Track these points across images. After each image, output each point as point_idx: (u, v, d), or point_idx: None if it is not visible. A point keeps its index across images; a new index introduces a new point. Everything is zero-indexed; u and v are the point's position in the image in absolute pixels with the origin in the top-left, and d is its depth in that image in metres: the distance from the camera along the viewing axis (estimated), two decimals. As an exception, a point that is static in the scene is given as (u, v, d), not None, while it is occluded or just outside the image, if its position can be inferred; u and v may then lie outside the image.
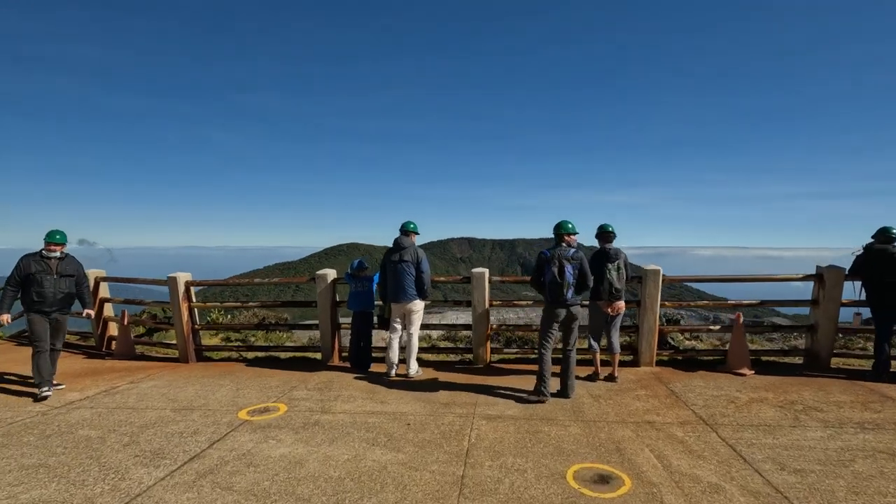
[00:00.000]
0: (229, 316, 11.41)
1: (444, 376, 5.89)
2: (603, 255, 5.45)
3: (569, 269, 4.76)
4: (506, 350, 6.92)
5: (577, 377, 5.23)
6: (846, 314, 5.95)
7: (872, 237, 5.64)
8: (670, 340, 7.65)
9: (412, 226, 5.97)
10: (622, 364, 6.09)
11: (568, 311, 4.87)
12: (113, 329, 7.90)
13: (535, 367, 5.22)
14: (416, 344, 5.95)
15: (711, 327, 6.75)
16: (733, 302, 6.40)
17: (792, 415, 4.45)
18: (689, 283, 7.25)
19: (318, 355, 6.96)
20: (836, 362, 6.11)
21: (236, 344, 8.38)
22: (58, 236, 5.40)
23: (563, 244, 4.93)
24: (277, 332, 9.86)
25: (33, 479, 3.41)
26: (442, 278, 6.92)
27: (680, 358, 6.48)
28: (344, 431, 4.19)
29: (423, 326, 6.41)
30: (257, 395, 5.24)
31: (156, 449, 3.88)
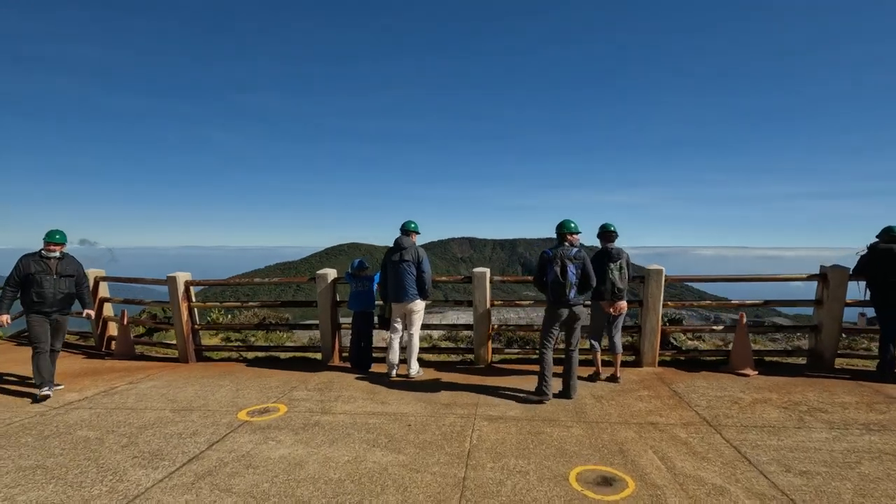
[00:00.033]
0: (229, 316, 11.38)
1: (445, 376, 5.85)
2: (605, 255, 5.41)
3: (571, 268, 4.72)
4: (507, 350, 6.89)
5: (579, 377, 5.19)
6: (850, 314, 5.91)
7: (877, 236, 5.59)
8: (673, 341, 7.61)
9: (413, 225, 5.93)
10: (624, 364, 6.05)
11: (570, 311, 4.83)
12: (113, 329, 7.87)
13: (536, 368, 5.18)
14: (416, 344, 5.91)
15: (714, 327, 6.71)
16: (736, 302, 6.36)
17: (796, 416, 4.40)
18: (690, 283, 7.21)
19: (319, 355, 6.93)
20: (839, 363, 6.07)
21: (236, 344, 8.35)
22: (57, 236, 5.35)
23: (566, 243, 4.89)
24: (278, 332, 9.83)
25: (30, 481, 3.37)
26: (443, 278, 6.89)
27: (682, 358, 6.44)
28: (344, 432, 4.16)
29: (424, 326, 6.37)
30: (257, 396, 5.20)
31: (154, 450, 3.85)
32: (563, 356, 5.05)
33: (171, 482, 3.33)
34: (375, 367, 6.28)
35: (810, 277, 5.98)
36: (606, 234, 5.54)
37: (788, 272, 6.04)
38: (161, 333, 8.73)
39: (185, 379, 5.96)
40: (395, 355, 5.83)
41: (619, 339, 5.58)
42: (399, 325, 5.92)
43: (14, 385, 5.78)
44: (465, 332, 9.05)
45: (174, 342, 7.20)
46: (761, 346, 7.97)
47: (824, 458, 3.57)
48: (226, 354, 7.40)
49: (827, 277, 5.77)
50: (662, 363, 6.23)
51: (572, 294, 4.74)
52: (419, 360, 6.10)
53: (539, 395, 4.87)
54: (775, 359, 6.43)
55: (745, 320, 5.90)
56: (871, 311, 5.68)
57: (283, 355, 7.20)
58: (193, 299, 7.08)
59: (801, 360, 6.31)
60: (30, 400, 5.15)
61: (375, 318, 6.47)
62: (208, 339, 8.91)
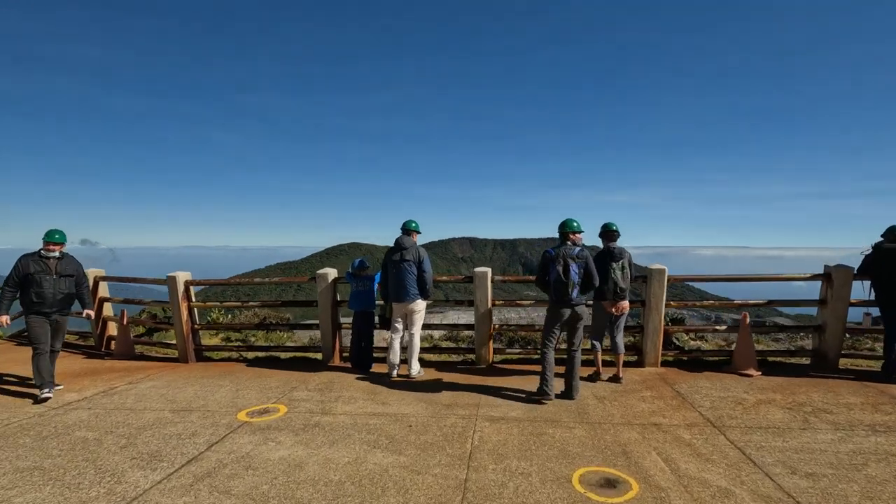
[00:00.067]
0: (230, 316, 11.36)
1: (446, 377, 5.81)
2: (607, 254, 5.37)
3: (574, 267, 4.68)
4: (508, 350, 6.85)
5: (579, 377, 5.14)
6: (853, 314, 5.86)
7: (882, 236, 5.55)
8: (675, 341, 7.57)
9: (414, 224, 5.90)
10: (626, 364, 6.00)
11: (573, 311, 4.79)
12: (112, 329, 7.84)
13: (537, 368, 5.15)
14: (417, 344, 5.87)
15: (717, 327, 6.67)
16: (739, 302, 6.31)
17: (801, 417, 4.36)
18: (691, 283, 7.17)
19: (319, 355, 6.89)
20: (843, 363, 6.02)
21: (236, 344, 8.32)
22: (57, 236, 5.31)
23: (569, 243, 4.85)
24: (278, 332, 9.80)
25: (28, 482, 3.34)
26: (444, 278, 6.86)
27: (685, 358, 6.40)
28: (345, 433, 4.12)
29: (425, 326, 6.34)
30: (257, 396, 5.17)
31: (153, 451, 3.82)
32: (565, 356, 5.01)
33: (169, 484, 3.29)
34: (376, 368, 6.24)
35: (814, 277, 5.93)
36: (608, 233, 5.50)
37: (789, 272, 5.99)
38: (161, 333, 8.70)
39: (184, 379, 5.92)
40: (395, 355, 5.79)
41: (621, 340, 5.54)
42: (400, 325, 5.88)
43: (13, 385, 5.75)
44: (467, 332, 9.01)
45: (174, 342, 7.17)
46: (764, 346, 7.93)
47: (830, 459, 3.53)
48: (226, 354, 7.37)
49: (831, 277, 5.72)
50: (665, 363, 6.19)
51: (575, 293, 4.70)
52: (420, 360, 6.07)
53: (541, 396, 4.83)
54: (779, 359, 6.38)
55: (748, 320, 5.85)
56: (876, 311, 5.63)
57: (283, 355, 7.17)
58: (193, 299, 7.05)
59: (805, 361, 6.27)
60: (29, 400, 5.12)
61: (376, 318, 6.44)
62: (208, 339, 8.88)
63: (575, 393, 4.91)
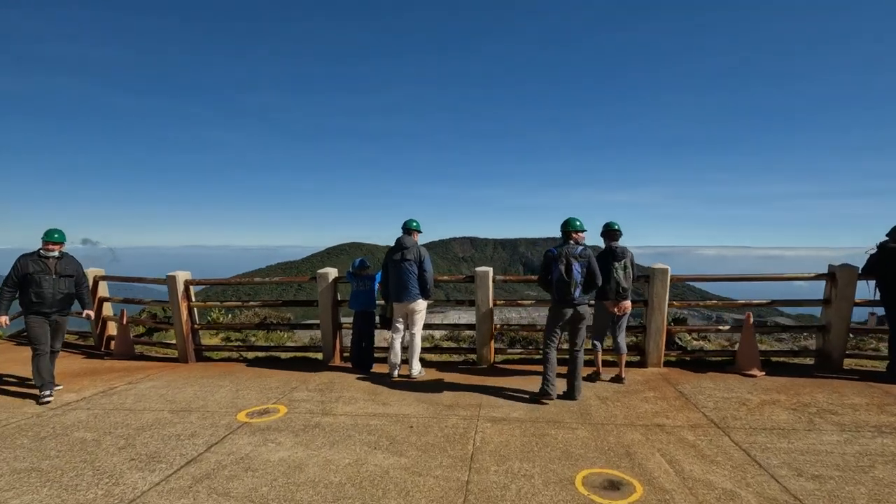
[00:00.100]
0: (230, 315, 11.32)
1: (447, 377, 5.77)
2: (609, 254, 5.32)
3: (576, 267, 4.64)
4: (510, 350, 6.80)
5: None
6: (858, 314, 5.82)
7: (887, 235, 5.50)
8: (678, 341, 7.52)
9: (415, 224, 5.86)
10: (629, 365, 5.96)
11: (575, 311, 4.75)
12: (112, 329, 7.81)
13: (539, 368, 5.10)
14: (418, 344, 5.83)
15: (720, 327, 6.62)
16: (743, 301, 6.26)
17: (806, 418, 4.32)
18: (692, 283, 7.12)
19: (320, 355, 6.86)
20: (848, 363, 5.97)
21: (236, 344, 8.29)
22: (56, 235, 5.27)
23: (571, 241, 4.81)
24: (278, 332, 9.77)
25: (25, 484, 3.31)
26: (445, 277, 6.82)
27: (688, 359, 6.35)
28: (345, 434, 4.08)
29: (426, 326, 6.30)
30: (257, 397, 5.14)
31: (152, 452, 3.78)
32: (567, 356, 4.97)
33: (168, 485, 3.26)
34: (377, 368, 6.20)
35: (818, 277, 5.89)
36: (610, 232, 5.45)
37: (790, 272, 5.95)
38: (161, 333, 8.67)
39: (184, 379, 5.89)
40: (396, 355, 5.75)
41: (623, 340, 5.50)
42: (401, 325, 5.84)
43: (12, 386, 5.71)
44: (468, 332, 8.97)
45: (174, 342, 7.13)
46: (767, 347, 7.87)
47: (836, 461, 3.49)
48: (226, 354, 7.34)
49: (835, 277, 5.68)
50: (668, 363, 6.14)
51: (577, 293, 4.66)
52: (421, 360, 6.03)
53: (543, 396, 4.79)
54: (782, 359, 6.33)
55: (751, 320, 5.81)
56: (881, 311, 5.59)
57: (283, 355, 7.13)
58: (193, 299, 7.01)
59: (809, 361, 6.22)
60: (27, 401, 5.09)
61: (377, 318, 6.41)
62: (208, 339, 8.84)
63: (577, 393, 4.87)
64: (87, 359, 7.13)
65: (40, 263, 5.10)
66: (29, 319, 5.15)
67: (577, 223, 4.86)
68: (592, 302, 5.48)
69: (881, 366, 5.83)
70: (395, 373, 5.76)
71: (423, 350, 6.40)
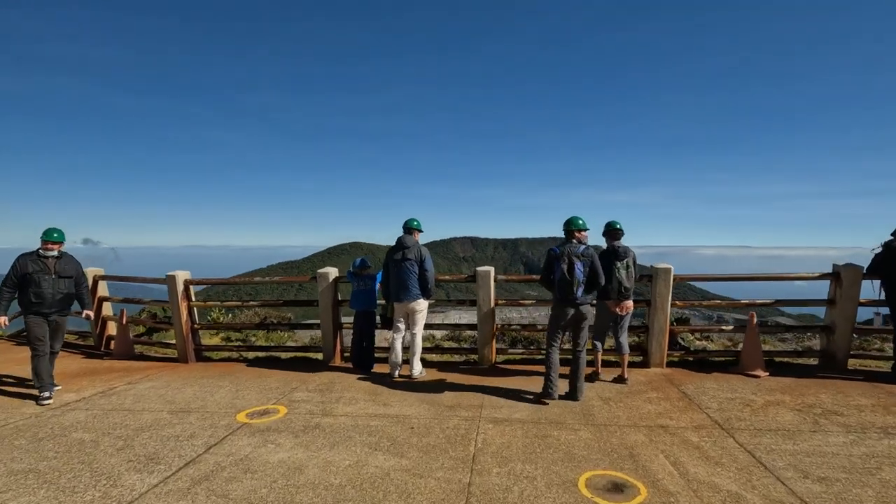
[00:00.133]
0: (230, 315, 11.29)
1: (448, 377, 5.73)
2: (611, 253, 5.27)
3: (579, 266, 4.59)
4: (511, 350, 6.77)
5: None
6: (863, 314, 5.77)
7: (892, 234, 5.45)
8: (680, 341, 7.48)
9: (416, 223, 5.81)
10: (631, 365, 5.91)
11: (577, 310, 4.70)
12: (112, 328, 7.78)
13: (541, 368, 5.06)
14: (419, 344, 5.79)
15: (723, 327, 6.58)
16: (746, 301, 6.22)
17: (811, 419, 4.27)
18: (692, 283, 7.08)
19: (320, 355, 6.82)
20: (852, 363, 5.93)
21: (237, 344, 8.25)
22: (55, 234, 5.22)
23: (574, 241, 4.77)
24: (279, 332, 9.73)
25: (21, 486, 3.27)
26: (446, 277, 6.78)
27: (691, 359, 6.31)
28: (345, 435, 4.04)
29: (427, 326, 6.26)
30: (257, 397, 5.10)
31: (150, 453, 3.74)
32: (569, 356, 4.92)
33: (166, 487, 3.22)
34: (377, 368, 6.16)
35: (823, 276, 5.84)
36: (612, 231, 5.41)
37: (791, 271, 5.91)
38: (161, 333, 8.64)
39: (183, 379, 5.86)
40: (397, 356, 5.71)
41: (625, 340, 5.46)
42: (402, 325, 5.80)
43: (11, 386, 5.68)
44: (469, 332, 8.93)
45: (174, 342, 7.10)
46: (770, 347, 7.83)
47: (843, 463, 3.44)
48: (226, 354, 7.30)
49: (840, 276, 5.63)
50: (670, 364, 6.10)
51: (580, 292, 4.62)
52: (422, 360, 5.98)
53: (545, 397, 4.75)
54: (786, 359, 6.28)
55: (755, 320, 5.76)
56: (885, 310, 5.55)
57: (283, 355, 7.10)
58: (193, 298, 6.98)
59: (813, 361, 6.17)
60: (26, 401, 5.05)
61: (378, 318, 6.37)
62: (208, 339, 8.81)
63: (580, 394, 4.83)
64: (86, 359, 7.10)
65: (39, 263, 5.06)
66: (28, 320, 5.11)
67: (580, 222, 4.81)
68: (594, 301, 5.44)
69: (886, 366, 5.78)
70: (396, 373, 5.72)
71: (425, 350, 6.36)
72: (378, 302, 6.34)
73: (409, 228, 5.79)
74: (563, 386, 4.91)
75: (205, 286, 8.66)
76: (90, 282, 7.38)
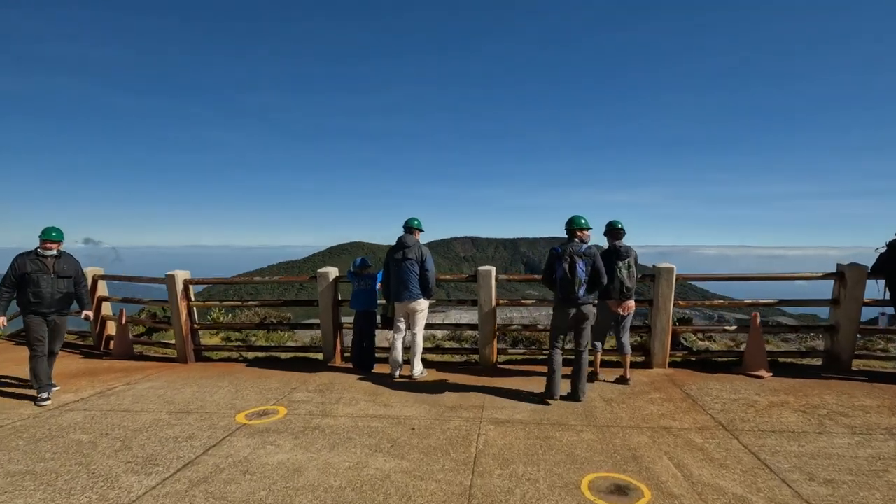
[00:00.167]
0: (230, 315, 11.25)
1: (449, 378, 5.70)
2: (613, 253, 5.23)
3: (581, 265, 4.55)
4: (512, 350, 6.73)
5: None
6: (867, 314, 5.73)
7: (897, 233, 5.40)
8: (683, 341, 7.43)
9: (416, 222, 5.78)
10: (634, 365, 5.87)
11: (578, 310, 4.66)
12: (111, 328, 7.75)
13: (543, 369, 5.02)
14: (420, 344, 5.75)
15: (727, 328, 6.53)
16: (749, 301, 6.17)
17: (816, 420, 4.23)
18: (693, 283, 7.03)
19: (320, 356, 6.79)
20: (856, 364, 5.88)
21: (236, 344, 8.22)
22: (54, 234, 5.18)
23: (576, 240, 4.73)
24: (279, 332, 9.70)
25: (18, 488, 3.24)
26: (447, 277, 6.74)
27: (694, 359, 6.26)
28: (345, 436, 4.01)
29: (428, 326, 6.22)
30: (256, 398, 5.06)
31: (148, 455, 3.71)
32: (571, 357, 4.88)
33: (164, 489, 3.19)
34: (378, 368, 6.13)
35: (826, 276, 5.79)
36: (614, 231, 5.36)
37: (792, 271, 5.86)
38: (160, 333, 8.60)
39: (183, 380, 5.82)
40: (398, 356, 5.68)
41: (627, 340, 5.42)
42: (402, 325, 5.76)
43: (9, 387, 5.65)
44: (470, 332, 8.89)
45: (173, 342, 7.07)
46: (774, 347, 7.77)
47: (849, 465, 3.40)
48: (226, 354, 7.27)
49: (844, 276, 5.58)
50: (673, 364, 6.05)
51: (581, 292, 4.57)
52: (423, 360, 5.95)
53: (547, 398, 4.71)
54: (789, 360, 6.23)
55: (759, 320, 5.72)
56: (890, 310, 5.51)
57: (283, 355, 7.06)
58: (193, 298, 6.95)
59: (816, 362, 6.12)
60: (24, 402, 5.02)
61: (378, 318, 6.33)
62: (208, 339, 8.77)
63: (582, 395, 4.79)
64: (85, 359, 7.07)
65: (38, 263, 5.02)
66: (27, 320, 5.07)
67: (582, 221, 4.77)
68: (595, 301, 5.40)
69: (890, 367, 5.74)
70: (397, 373, 5.68)
71: (425, 350, 6.32)
72: (378, 302, 6.30)
73: (410, 228, 5.75)
74: (564, 386, 4.87)
75: (205, 286, 8.62)
76: (89, 281, 7.34)
